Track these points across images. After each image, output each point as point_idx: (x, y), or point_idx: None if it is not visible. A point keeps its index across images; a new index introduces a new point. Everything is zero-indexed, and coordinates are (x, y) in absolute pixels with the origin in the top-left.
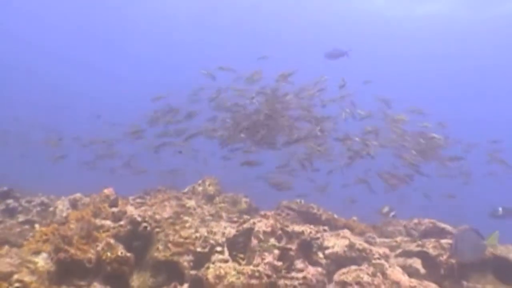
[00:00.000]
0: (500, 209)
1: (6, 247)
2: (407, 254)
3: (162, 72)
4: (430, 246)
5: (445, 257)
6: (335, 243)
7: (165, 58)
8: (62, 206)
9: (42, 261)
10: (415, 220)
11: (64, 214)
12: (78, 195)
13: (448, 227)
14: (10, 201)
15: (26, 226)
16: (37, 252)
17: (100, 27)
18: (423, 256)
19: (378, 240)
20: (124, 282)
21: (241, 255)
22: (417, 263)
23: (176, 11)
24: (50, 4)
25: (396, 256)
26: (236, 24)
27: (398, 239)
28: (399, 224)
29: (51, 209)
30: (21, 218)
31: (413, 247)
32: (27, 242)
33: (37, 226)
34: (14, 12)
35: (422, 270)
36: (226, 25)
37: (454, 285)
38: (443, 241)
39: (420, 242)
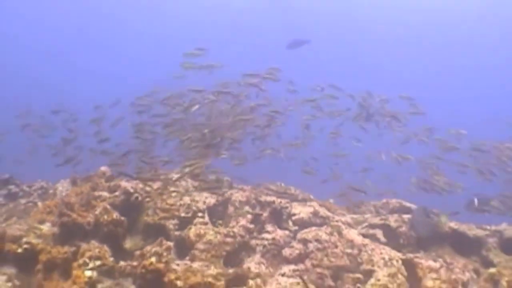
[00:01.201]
0: (476, 200)
1: (14, 218)
2: (371, 226)
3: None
4: (392, 220)
5: (404, 228)
6: (301, 210)
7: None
8: (62, 187)
9: (46, 228)
10: (384, 200)
11: (64, 194)
12: (77, 175)
13: (413, 206)
14: (11, 186)
15: (30, 205)
16: (42, 221)
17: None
18: (385, 228)
19: (347, 216)
20: (118, 242)
21: (220, 221)
22: (378, 233)
23: None
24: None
25: (362, 228)
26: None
27: (366, 215)
28: (370, 205)
29: (51, 191)
30: (23, 201)
31: (377, 220)
32: (33, 213)
33: (40, 204)
34: None
35: (383, 239)
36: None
37: (411, 252)
38: (405, 216)
39: (383, 217)
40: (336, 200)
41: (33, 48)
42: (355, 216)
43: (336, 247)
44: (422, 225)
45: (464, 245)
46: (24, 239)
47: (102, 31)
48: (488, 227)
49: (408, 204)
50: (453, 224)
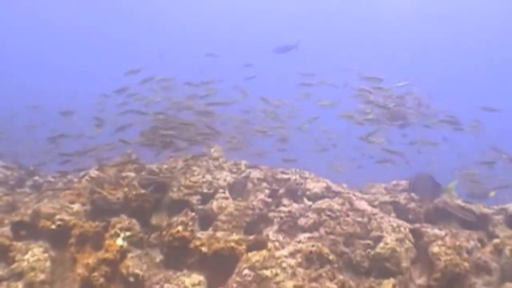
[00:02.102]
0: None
1: (46, 200)
2: (382, 203)
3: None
4: (401, 198)
5: (413, 205)
6: (315, 185)
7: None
8: (87, 176)
9: (77, 207)
10: (394, 182)
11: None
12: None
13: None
14: (36, 177)
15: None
16: (72, 202)
17: None
18: (395, 204)
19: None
20: (145, 218)
21: (240, 198)
22: (388, 209)
23: None
24: None
25: (373, 206)
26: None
27: (377, 195)
28: (381, 187)
29: (76, 180)
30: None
31: (387, 198)
32: (62, 195)
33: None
34: None
35: (392, 214)
36: None
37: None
38: (413, 193)
39: (393, 195)
40: (349, 184)
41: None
42: (366, 196)
43: (348, 216)
44: (425, 190)
45: (471, 222)
46: (57, 216)
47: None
48: (495, 206)
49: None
50: (460, 202)
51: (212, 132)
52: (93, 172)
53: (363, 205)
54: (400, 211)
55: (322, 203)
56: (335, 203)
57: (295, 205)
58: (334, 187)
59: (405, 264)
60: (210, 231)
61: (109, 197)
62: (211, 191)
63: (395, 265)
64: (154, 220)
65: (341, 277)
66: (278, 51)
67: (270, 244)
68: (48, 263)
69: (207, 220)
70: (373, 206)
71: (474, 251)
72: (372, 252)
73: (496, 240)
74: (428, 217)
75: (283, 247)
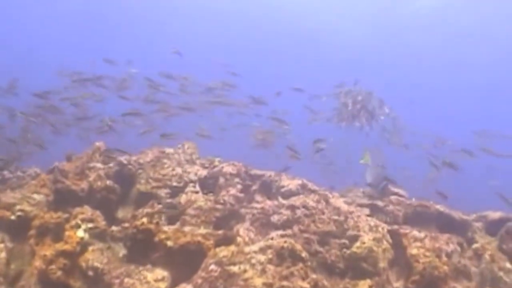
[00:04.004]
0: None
1: (8, 190)
2: (360, 205)
3: None
4: (379, 200)
5: (391, 207)
6: (290, 183)
7: None
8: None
9: (40, 198)
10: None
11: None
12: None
13: (400, 191)
14: (5, 172)
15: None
16: (36, 193)
17: None
18: (373, 207)
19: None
20: (111, 210)
21: (211, 193)
22: (365, 211)
23: None
24: None
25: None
26: None
27: (355, 198)
28: (359, 191)
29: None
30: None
31: (365, 200)
32: (27, 186)
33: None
34: None
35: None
36: None
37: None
38: (392, 197)
39: (371, 198)
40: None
41: None
42: (344, 199)
43: (323, 213)
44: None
45: (450, 227)
46: (18, 207)
47: None
48: (474, 214)
49: (396, 190)
50: (439, 207)
51: None
52: (60, 163)
53: (339, 203)
54: (378, 213)
55: (297, 200)
56: (310, 200)
57: (269, 202)
58: (310, 185)
59: (382, 264)
60: (177, 225)
61: (73, 187)
62: (181, 184)
63: (372, 266)
64: (120, 213)
65: (314, 276)
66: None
67: (239, 239)
68: (3, 254)
69: (176, 215)
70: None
71: (454, 255)
72: (348, 252)
73: (476, 245)
74: (407, 221)
75: (253, 243)
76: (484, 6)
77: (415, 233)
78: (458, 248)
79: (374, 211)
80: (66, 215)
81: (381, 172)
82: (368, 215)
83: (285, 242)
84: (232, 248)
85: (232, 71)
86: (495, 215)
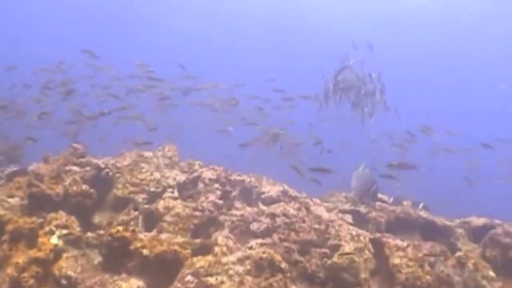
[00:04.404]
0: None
1: None
2: (342, 211)
3: None
4: (362, 206)
5: (374, 214)
6: (271, 189)
7: None
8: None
9: (15, 201)
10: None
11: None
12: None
13: (383, 197)
14: None
15: None
16: (11, 196)
17: None
18: (355, 213)
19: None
20: (87, 215)
21: (190, 199)
22: (347, 217)
23: None
24: None
25: (333, 214)
26: None
27: (338, 204)
28: (341, 196)
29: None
30: None
31: (347, 206)
32: (1, 189)
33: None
34: None
35: (352, 223)
36: None
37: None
38: (374, 203)
39: (354, 204)
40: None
41: None
42: (326, 204)
43: (304, 222)
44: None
45: (433, 234)
46: None
47: None
48: (457, 220)
49: (379, 196)
50: (422, 213)
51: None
52: (36, 165)
53: (320, 211)
54: (360, 220)
55: (277, 208)
56: (291, 208)
57: (249, 209)
58: (291, 191)
59: (364, 275)
60: (154, 233)
61: (48, 192)
62: (159, 190)
63: (353, 276)
64: (97, 218)
65: (293, 287)
66: None
67: (217, 249)
68: None
69: (152, 221)
70: (333, 214)
71: (436, 264)
72: (329, 262)
73: (459, 253)
74: (390, 228)
75: (231, 253)
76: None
77: (398, 242)
78: (441, 257)
79: (356, 218)
80: (40, 220)
81: (369, 176)
82: (350, 223)
83: (263, 252)
84: (210, 258)
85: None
86: (478, 221)
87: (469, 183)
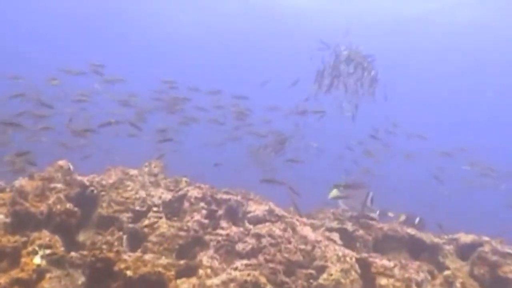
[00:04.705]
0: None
1: None
2: (329, 229)
3: None
4: (349, 224)
5: (361, 232)
6: (257, 208)
7: None
8: (19, 184)
9: None
10: (342, 207)
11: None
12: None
13: (372, 214)
14: None
15: None
16: None
17: None
18: (342, 231)
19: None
20: (71, 234)
21: (175, 218)
22: (334, 236)
23: None
24: None
25: (320, 232)
26: None
27: (324, 221)
28: (329, 212)
29: (7, 189)
30: None
31: (334, 224)
32: None
33: None
34: None
35: (339, 242)
36: None
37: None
38: (362, 220)
39: (341, 221)
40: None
41: None
42: (313, 221)
43: (290, 242)
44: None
45: (421, 251)
46: None
47: None
48: (446, 236)
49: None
50: (410, 230)
51: None
52: (20, 181)
53: (306, 231)
54: (348, 239)
55: (262, 228)
56: (277, 228)
57: (234, 228)
58: (277, 210)
59: None
60: (138, 253)
61: (32, 210)
62: (144, 208)
63: None
64: (81, 236)
65: None
66: None
67: (201, 271)
68: None
69: (137, 240)
70: (319, 232)
71: (424, 284)
72: (315, 283)
73: (447, 272)
74: (377, 245)
75: (216, 274)
76: None
77: (385, 262)
78: (429, 277)
79: (344, 236)
80: (24, 239)
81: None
82: (337, 243)
83: (248, 275)
84: (194, 280)
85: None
86: (467, 238)
87: (438, 181)
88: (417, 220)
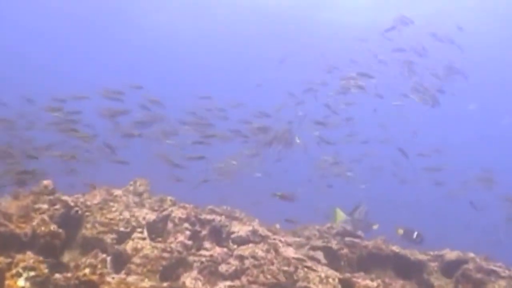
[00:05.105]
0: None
1: None
2: (313, 248)
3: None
4: (334, 242)
5: (345, 250)
6: (241, 228)
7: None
8: (4, 203)
9: None
10: (328, 225)
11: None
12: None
13: (357, 232)
14: None
15: None
16: None
17: None
18: (327, 250)
19: (291, 239)
20: (55, 255)
21: (159, 238)
22: (319, 254)
23: None
24: None
25: (305, 251)
26: None
27: (310, 239)
28: (314, 229)
29: None
30: None
31: (319, 242)
32: None
33: None
34: None
35: (323, 260)
36: None
37: (351, 273)
38: (347, 239)
39: (326, 239)
40: (282, 225)
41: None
42: (298, 239)
43: (272, 264)
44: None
45: (406, 269)
46: None
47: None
48: (431, 252)
49: (349, 228)
50: (395, 248)
51: None
52: (5, 201)
53: (289, 252)
54: (332, 257)
55: (246, 249)
56: (259, 250)
57: (218, 249)
58: (261, 230)
59: None
60: (122, 275)
61: (17, 231)
62: (128, 229)
63: None
64: (66, 257)
65: None
66: None
67: None
68: None
69: (121, 262)
70: (303, 251)
71: None
72: None
73: None
74: (362, 264)
75: None
76: None
77: (368, 282)
78: None
79: (328, 254)
80: (8, 260)
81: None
82: (320, 262)
83: None
84: None
85: None
86: (451, 255)
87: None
88: (415, 234)
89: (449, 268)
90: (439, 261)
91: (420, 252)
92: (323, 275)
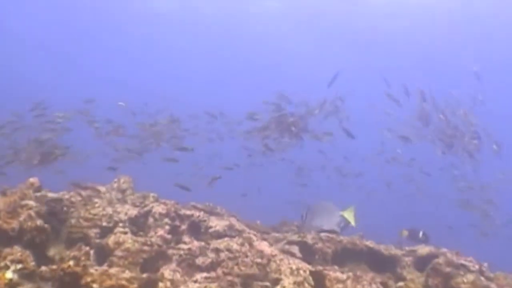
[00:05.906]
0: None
1: None
2: (289, 243)
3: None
4: (309, 238)
5: (320, 245)
6: (218, 223)
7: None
8: None
9: None
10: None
11: None
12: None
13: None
14: None
15: None
16: None
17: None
18: (302, 244)
19: (271, 234)
20: (42, 249)
21: (140, 233)
22: (294, 248)
23: None
24: None
25: (281, 245)
26: None
27: (287, 234)
28: (293, 225)
29: None
30: None
31: (295, 237)
32: None
33: None
34: None
35: (298, 254)
36: None
37: (324, 267)
38: (322, 234)
39: (302, 234)
40: (262, 221)
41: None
42: (276, 234)
43: (247, 256)
44: (322, 219)
45: (380, 263)
46: None
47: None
48: (406, 248)
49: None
50: (369, 243)
51: None
52: None
53: (263, 246)
54: (307, 251)
55: (221, 243)
56: (234, 243)
57: (196, 243)
58: (238, 225)
59: None
60: (105, 267)
61: (5, 227)
62: (111, 224)
63: None
64: (52, 251)
65: None
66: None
67: (161, 284)
68: None
69: (104, 255)
70: (279, 246)
71: None
72: None
73: (399, 284)
74: (337, 258)
75: (177, 286)
76: None
77: (338, 274)
78: None
79: (303, 249)
80: None
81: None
82: (295, 256)
83: (206, 287)
84: None
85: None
86: (423, 250)
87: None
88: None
89: (422, 263)
90: (412, 256)
91: (396, 247)
92: (294, 267)
